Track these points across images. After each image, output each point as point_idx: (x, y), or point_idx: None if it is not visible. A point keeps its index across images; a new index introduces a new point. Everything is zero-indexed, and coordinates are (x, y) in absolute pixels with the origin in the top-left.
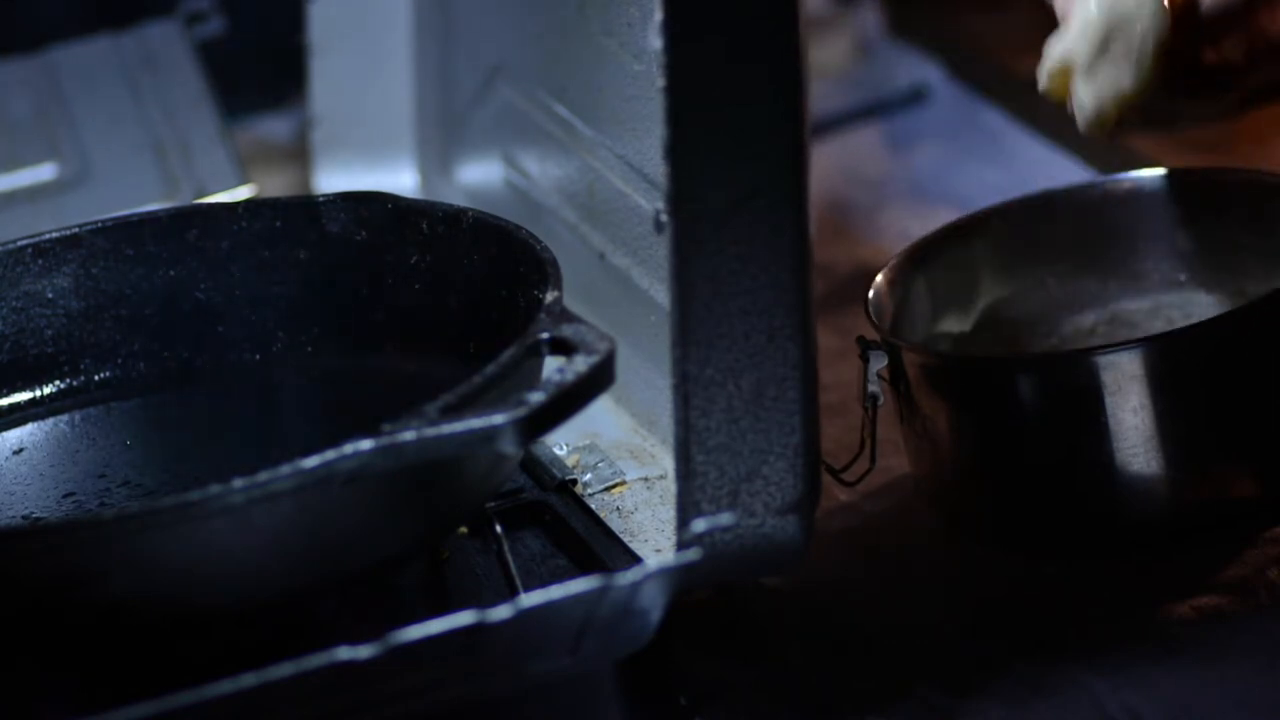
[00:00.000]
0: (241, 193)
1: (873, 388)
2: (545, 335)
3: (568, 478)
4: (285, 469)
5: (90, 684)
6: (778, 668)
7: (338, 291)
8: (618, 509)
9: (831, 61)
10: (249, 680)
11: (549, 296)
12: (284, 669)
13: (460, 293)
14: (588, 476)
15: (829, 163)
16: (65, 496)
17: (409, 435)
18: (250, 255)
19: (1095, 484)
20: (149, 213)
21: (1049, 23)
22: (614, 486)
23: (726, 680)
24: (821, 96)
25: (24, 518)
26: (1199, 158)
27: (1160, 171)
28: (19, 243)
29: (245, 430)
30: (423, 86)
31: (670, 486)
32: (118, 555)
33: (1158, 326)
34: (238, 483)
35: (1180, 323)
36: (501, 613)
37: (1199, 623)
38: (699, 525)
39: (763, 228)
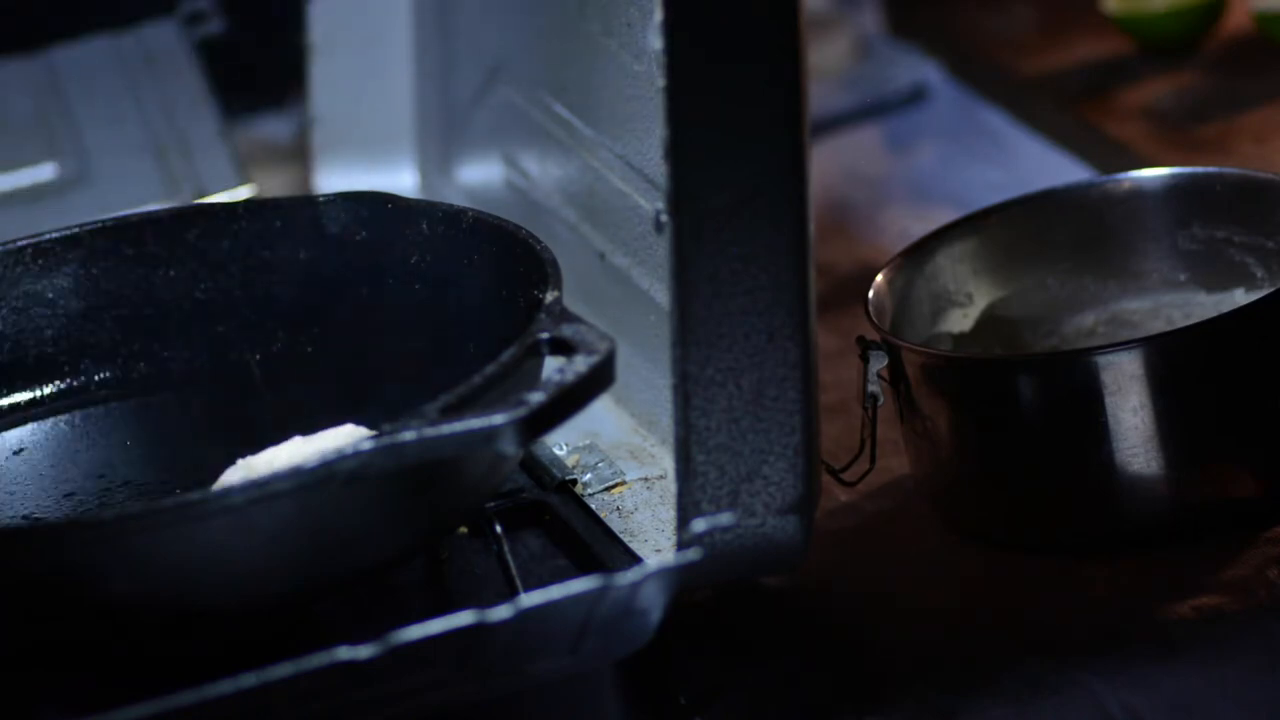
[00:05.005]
0: (241, 193)
1: (873, 388)
2: (545, 335)
3: (568, 478)
4: (285, 469)
5: (90, 684)
6: (778, 668)
7: (338, 291)
8: (618, 509)
9: (831, 61)
10: (249, 680)
11: (549, 296)
12: (284, 669)
13: (460, 293)
14: (588, 476)
15: (829, 163)
16: (65, 496)
17: (409, 435)
18: (250, 255)
19: (1095, 484)
20: (149, 213)
21: (1049, 22)
22: (614, 486)
23: (726, 680)
24: (821, 96)
25: (24, 518)
26: (1199, 158)
27: (1160, 171)
28: (19, 243)
29: (245, 430)
30: (423, 86)
31: (670, 486)
32: (118, 555)
33: (1158, 326)
34: (238, 483)
35: (1180, 323)
36: (501, 613)
37: (1199, 623)
38: (699, 525)
39: (763, 228)
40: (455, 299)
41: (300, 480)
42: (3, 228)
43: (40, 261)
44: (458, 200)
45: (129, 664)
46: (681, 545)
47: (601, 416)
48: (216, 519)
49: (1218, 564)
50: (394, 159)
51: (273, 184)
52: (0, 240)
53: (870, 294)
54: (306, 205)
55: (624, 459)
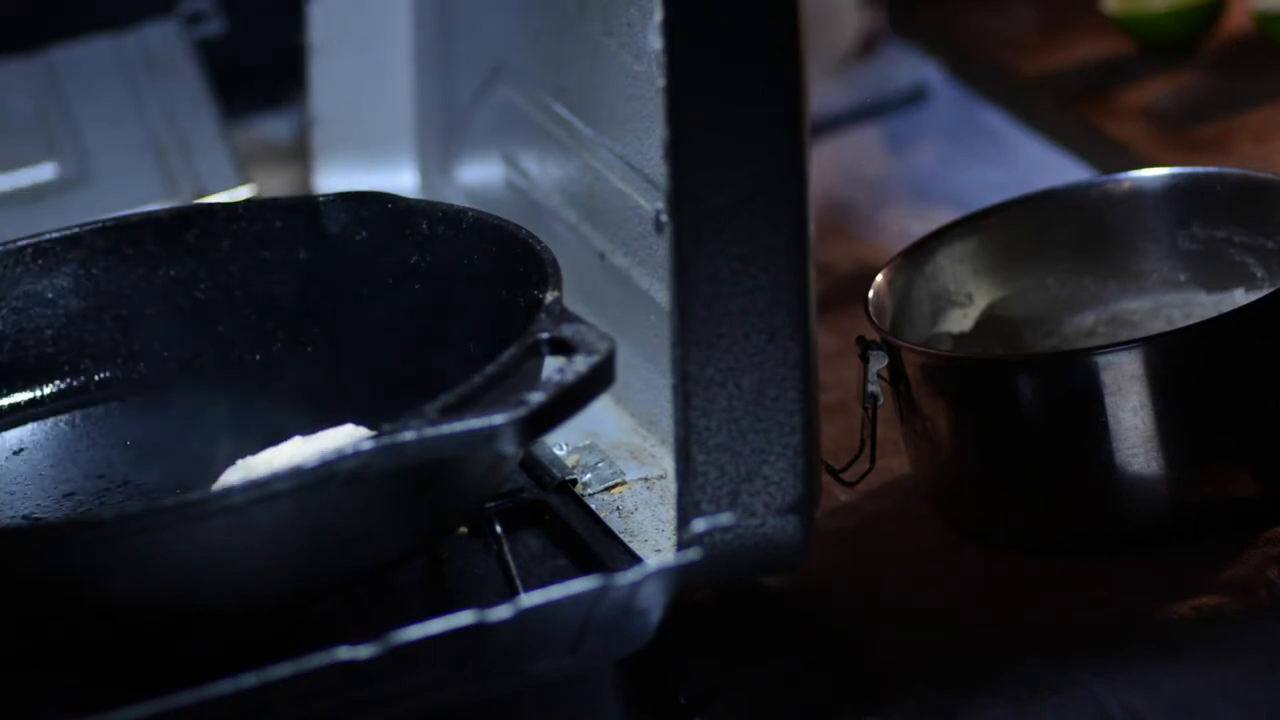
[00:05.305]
0: (241, 193)
1: (873, 388)
2: (545, 335)
3: (568, 478)
4: (285, 469)
5: (90, 684)
6: (778, 668)
7: (338, 291)
8: (618, 509)
9: (831, 61)
10: (249, 680)
11: (549, 296)
12: (284, 669)
13: (460, 293)
14: (588, 476)
15: (829, 163)
16: (65, 496)
17: (409, 435)
18: (250, 255)
19: (1095, 484)
20: (149, 213)
21: (1049, 22)
22: (614, 486)
23: (726, 680)
24: (821, 96)
25: (24, 518)
26: (1199, 158)
27: (1160, 171)
28: (19, 243)
29: (245, 430)
30: (423, 86)
31: (670, 486)
32: (118, 555)
33: (1158, 326)
34: (238, 483)
35: (1180, 323)
36: (501, 613)
37: (1199, 623)
38: (699, 525)
39: (763, 228)
40: (455, 299)
41: (300, 480)
42: (3, 228)
43: (40, 261)
44: (458, 200)
45: (129, 664)
46: (681, 545)
47: (601, 416)
48: (216, 519)
49: (1218, 564)
50: (394, 159)
51: (273, 184)
52: (0, 240)
53: (870, 294)
54: (306, 205)
55: (624, 459)
